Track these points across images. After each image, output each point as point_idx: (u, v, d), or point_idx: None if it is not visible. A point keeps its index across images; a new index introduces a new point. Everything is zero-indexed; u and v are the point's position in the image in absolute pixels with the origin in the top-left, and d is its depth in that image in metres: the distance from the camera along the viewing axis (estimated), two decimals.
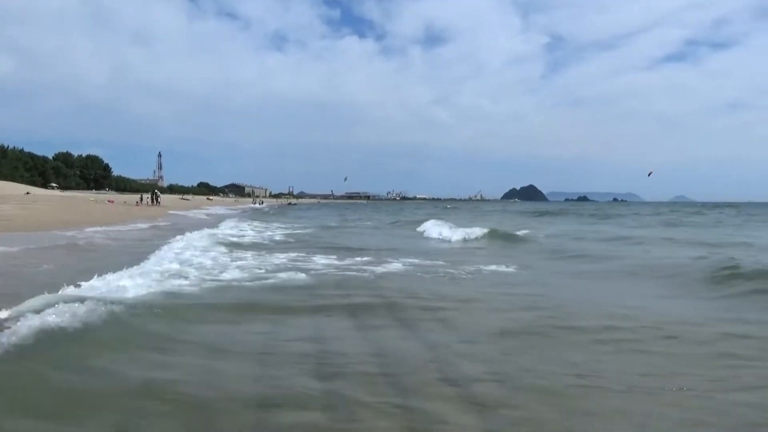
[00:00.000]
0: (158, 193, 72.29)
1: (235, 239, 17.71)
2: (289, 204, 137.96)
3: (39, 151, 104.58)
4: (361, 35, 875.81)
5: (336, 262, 11.72)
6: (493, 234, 19.05)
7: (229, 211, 57.20)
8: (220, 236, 17.89)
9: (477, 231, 19.54)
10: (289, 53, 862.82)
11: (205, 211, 55.22)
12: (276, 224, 29.99)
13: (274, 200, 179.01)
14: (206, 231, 19.18)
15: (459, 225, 24.16)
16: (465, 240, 18.36)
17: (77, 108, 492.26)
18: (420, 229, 24.68)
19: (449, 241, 18.48)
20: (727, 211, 60.15)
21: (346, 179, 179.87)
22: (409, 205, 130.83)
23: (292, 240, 18.91)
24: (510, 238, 18.62)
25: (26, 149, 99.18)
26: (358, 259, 12.39)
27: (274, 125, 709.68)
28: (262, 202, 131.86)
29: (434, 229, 22.86)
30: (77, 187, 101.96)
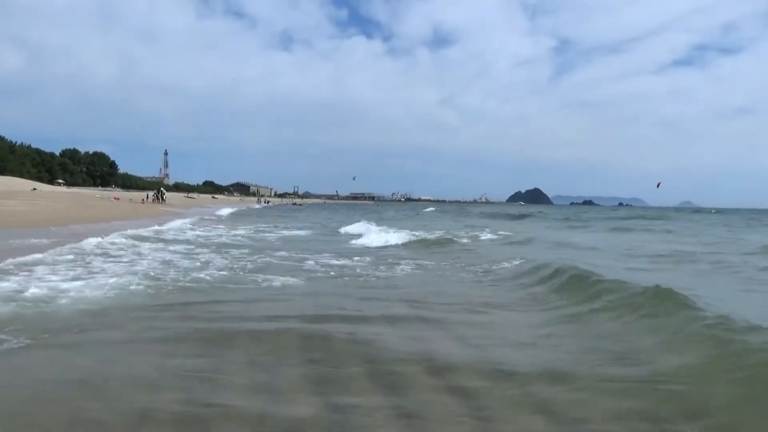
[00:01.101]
0: (163, 191, 72.93)
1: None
2: (294, 204, 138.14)
3: (46, 148, 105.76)
4: (369, 36, 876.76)
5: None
6: (418, 240, 18.54)
7: (230, 210, 56.80)
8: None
9: (402, 236, 19.24)
10: (296, 53, 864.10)
11: (208, 209, 54.93)
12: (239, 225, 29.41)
13: (279, 200, 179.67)
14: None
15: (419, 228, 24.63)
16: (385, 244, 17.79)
17: (84, 105, 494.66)
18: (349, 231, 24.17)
19: (366, 246, 17.68)
20: (729, 218, 59.62)
21: (354, 178, 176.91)
22: (403, 207, 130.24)
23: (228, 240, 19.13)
24: (430, 242, 18.05)
25: (33, 145, 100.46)
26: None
27: (281, 125, 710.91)
28: (268, 202, 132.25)
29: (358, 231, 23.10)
30: (84, 184, 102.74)
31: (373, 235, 19.60)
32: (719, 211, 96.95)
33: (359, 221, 28.65)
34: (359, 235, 20.41)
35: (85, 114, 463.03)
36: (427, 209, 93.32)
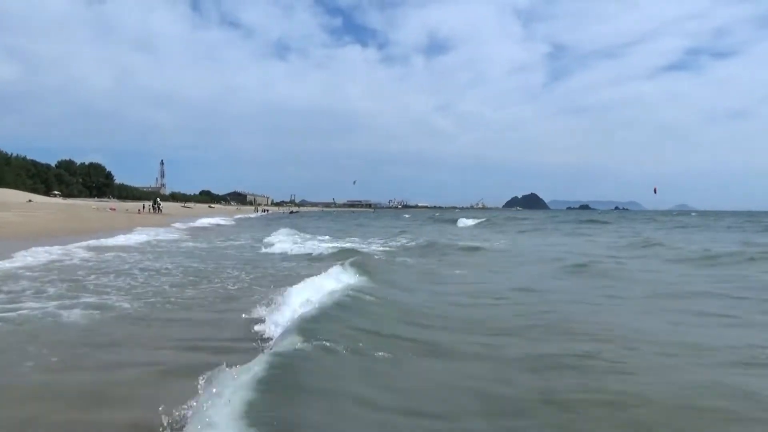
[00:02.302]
0: (159, 201, 73.25)
1: None
2: (291, 212, 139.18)
3: (41, 158, 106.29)
4: (363, 44, 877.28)
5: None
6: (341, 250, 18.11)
7: (220, 221, 56.67)
8: None
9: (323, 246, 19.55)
10: (291, 61, 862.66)
11: (204, 219, 54.76)
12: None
13: (276, 208, 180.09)
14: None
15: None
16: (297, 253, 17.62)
17: (80, 115, 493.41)
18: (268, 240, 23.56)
19: (277, 253, 17.70)
20: (704, 221, 60.48)
21: (355, 182, 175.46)
22: (388, 214, 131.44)
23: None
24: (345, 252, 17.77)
25: (29, 156, 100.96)
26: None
27: (277, 133, 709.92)
28: (266, 210, 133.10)
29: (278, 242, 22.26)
30: (79, 195, 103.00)
31: (285, 245, 19.96)
32: (704, 214, 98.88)
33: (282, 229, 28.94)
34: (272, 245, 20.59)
35: (80, 124, 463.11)
36: (405, 215, 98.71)
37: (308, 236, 25.93)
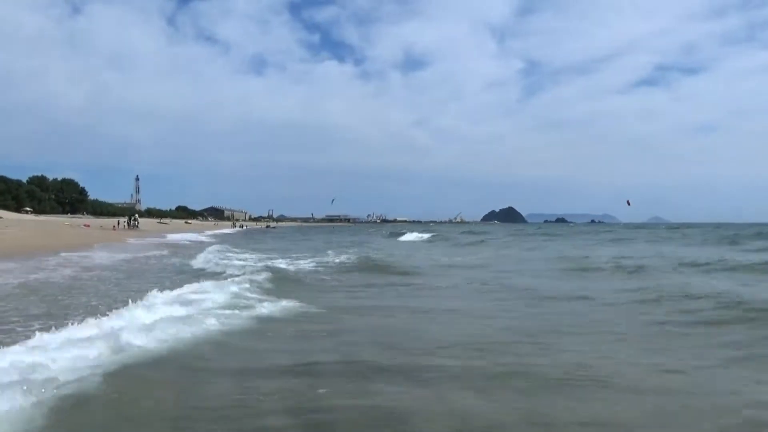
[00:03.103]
0: (137, 217, 72.54)
1: None
2: (267, 227, 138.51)
3: (13, 175, 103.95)
4: (340, 59, 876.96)
5: None
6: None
7: (197, 237, 56.12)
8: None
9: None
10: (268, 76, 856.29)
11: (180, 235, 54.40)
12: None
13: (254, 223, 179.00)
14: None
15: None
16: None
17: (53, 131, 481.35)
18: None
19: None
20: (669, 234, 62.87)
21: (333, 201, 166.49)
22: (362, 228, 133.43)
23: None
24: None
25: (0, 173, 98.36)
26: None
27: (254, 148, 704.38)
28: (243, 226, 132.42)
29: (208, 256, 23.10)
30: (52, 212, 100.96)
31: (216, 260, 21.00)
32: (673, 227, 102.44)
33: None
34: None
35: (54, 140, 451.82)
36: (371, 230, 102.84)
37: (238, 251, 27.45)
